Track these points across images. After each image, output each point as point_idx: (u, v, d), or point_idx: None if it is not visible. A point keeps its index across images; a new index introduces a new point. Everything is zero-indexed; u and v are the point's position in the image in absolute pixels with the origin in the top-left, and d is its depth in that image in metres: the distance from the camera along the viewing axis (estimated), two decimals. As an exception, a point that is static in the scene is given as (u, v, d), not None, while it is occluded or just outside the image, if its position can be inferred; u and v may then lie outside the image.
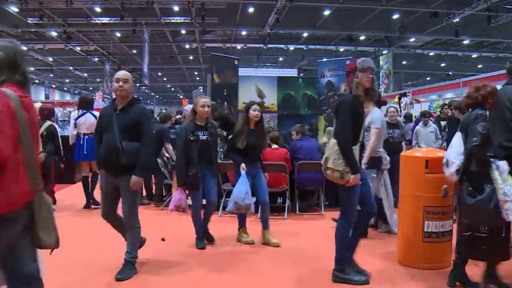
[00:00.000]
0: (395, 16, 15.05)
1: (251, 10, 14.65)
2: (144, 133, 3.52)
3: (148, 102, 42.38)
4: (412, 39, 18.10)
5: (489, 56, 19.63)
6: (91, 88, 34.44)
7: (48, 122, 6.12)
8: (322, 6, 14.17)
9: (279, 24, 14.33)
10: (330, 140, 3.50)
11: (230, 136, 5.02)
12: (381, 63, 20.27)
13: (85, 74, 27.37)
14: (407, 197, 3.86)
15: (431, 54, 20.44)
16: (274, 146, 6.01)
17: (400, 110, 13.00)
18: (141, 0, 13.16)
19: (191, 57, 23.59)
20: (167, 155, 6.76)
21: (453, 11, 13.65)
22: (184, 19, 15.32)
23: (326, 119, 8.96)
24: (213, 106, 5.32)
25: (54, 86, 32.97)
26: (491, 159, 3.04)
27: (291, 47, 18.85)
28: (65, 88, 36.13)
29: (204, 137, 4.40)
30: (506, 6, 12.92)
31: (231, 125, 4.87)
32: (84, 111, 6.45)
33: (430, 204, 3.72)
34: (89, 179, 6.41)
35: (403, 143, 6.40)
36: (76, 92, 37.78)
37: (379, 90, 16.65)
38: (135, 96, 4.00)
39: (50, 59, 21.92)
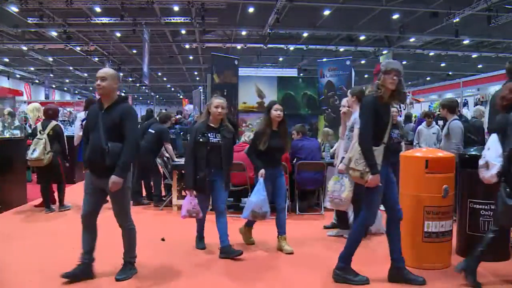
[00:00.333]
0: (395, 16, 15.03)
1: (251, 10, 14.63)
2: (126, 133, 3.37)
3: (148, 102, 42.39)
4: (412, 39, 18.05)
5: (489, 56, 19.59)
6: (91, 88, 34.35)
7: (54, 122, 6.18)
8: (322, 6, 14.15)
9: (279, 24, 14.30)
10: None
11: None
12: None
13: (85, 74, 27.31)
14: (407, 197, 3.86)
15: (431, 54, 20.38)
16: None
17: (400, 110, 12.98)
18: (141, 0, 13.14)
19: (191, 57, 23.55)
20: (167, 155, 6.77)
21: (453, 11, 13.62)
22: (184, 19, 15.28)
23: (326, 119, 8.97)
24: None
25: (54, 86, 32.94)
26: None
27: (291, 47, 18.81)
28: (65, 88, 36.08)
29: (215, 140, 4.18)
30: (506, 6, 12.89)
31: (233, 125, 4.74)
32: None
33: (430, 204, 3.73)
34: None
35: (403, 143, 6.39)
36: (76, 92, 37.77)
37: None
38: (123, 94, 3.93)
39: (50, 59, 21.89)
